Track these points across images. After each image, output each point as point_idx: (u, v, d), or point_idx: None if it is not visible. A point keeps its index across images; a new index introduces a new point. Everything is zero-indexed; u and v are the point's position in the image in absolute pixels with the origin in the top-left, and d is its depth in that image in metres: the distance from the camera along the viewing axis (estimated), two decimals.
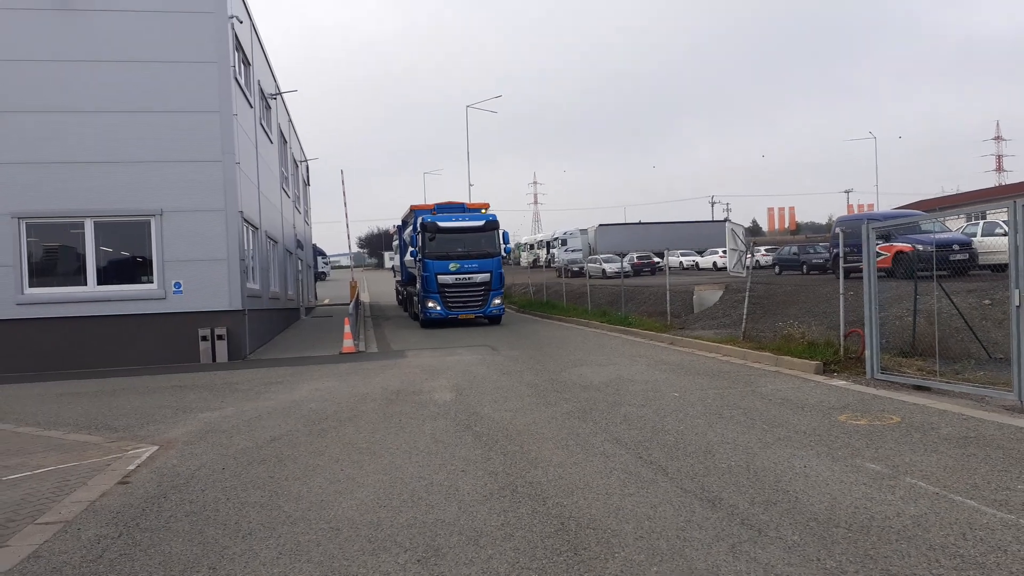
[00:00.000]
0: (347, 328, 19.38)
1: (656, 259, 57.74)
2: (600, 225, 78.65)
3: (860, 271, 22.61)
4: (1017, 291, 9.01)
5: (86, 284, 17.58)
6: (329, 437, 8.81)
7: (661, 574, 4.46)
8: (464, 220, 26.31)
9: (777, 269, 36.10)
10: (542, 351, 17.46)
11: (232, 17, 18.34)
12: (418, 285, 27.11)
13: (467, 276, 25.70)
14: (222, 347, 17.79)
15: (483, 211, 27.37)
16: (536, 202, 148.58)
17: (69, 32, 17.25)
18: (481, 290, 25.86)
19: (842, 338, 12.73)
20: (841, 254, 13.65)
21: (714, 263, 50.95)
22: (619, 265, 52.78)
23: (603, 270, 51.87)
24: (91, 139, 17.30)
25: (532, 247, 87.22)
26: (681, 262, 57.53)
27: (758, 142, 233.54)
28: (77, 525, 5.87)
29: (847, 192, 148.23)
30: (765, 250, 39.17)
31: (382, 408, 10.61)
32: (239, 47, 19.96)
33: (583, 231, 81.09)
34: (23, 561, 5.12)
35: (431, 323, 26.00)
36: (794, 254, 37.18)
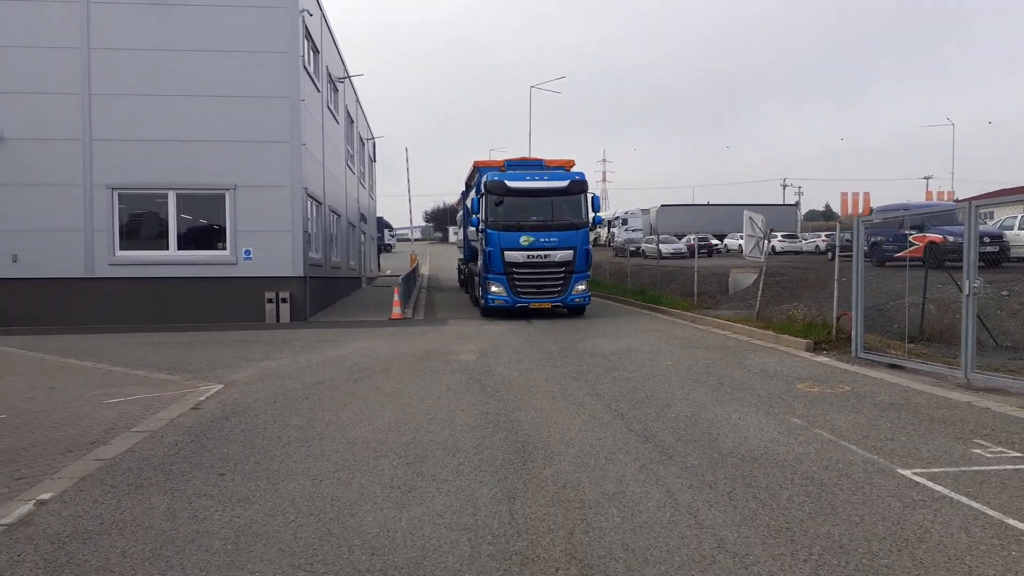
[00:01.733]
0: (395, 296, 21.23)
1: (715, 241, 58.26)
2: (662, 205, 78.89)
3: (898, 260, 23.29)
4: (967, 281, 10.14)
5: (168, 249, 19.85)
6: (362, 384, 10.57)
7: (580, 478, 6.01)
8: (541, 180, 20.20)
9: (829, 255, 36.59)
10: (571, 324, 18.98)
11: (303, 11, 20.19)
12: (479, 263, 21.42)
13: (543, 253, 19.71)
14: (285, 309, 19.84)
15: (566, 169, 21.70)
16: (604, 180, 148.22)
17: (159, 24, 19.36)
18: (561, 272, 19.84)
19: (834, 320, 13.87)
20: (836, 244, 14.67)
21: (772, 247, 51.37)
22: (675, 246, 53.65)
23: (659, 250, 52.80)
24: (175, 120, 19.43)
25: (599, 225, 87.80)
26: (740, 244, 57.93)
27: (840, 125, 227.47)
28: (160, 434, 7.72)
29: (927, 179, 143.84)
30: (782, 236, 39.53)
31: (412, 364, 12.35)
32: (309, 37, 21.83)
33: (644, 211, 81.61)
34: (122, 454, 6.95)
35: (493, 312, 20.44)
36: (847, 240, 37.61)
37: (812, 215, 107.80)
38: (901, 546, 4.59)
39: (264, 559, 4.49)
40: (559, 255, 19.87)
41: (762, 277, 18.10)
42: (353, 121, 34.22)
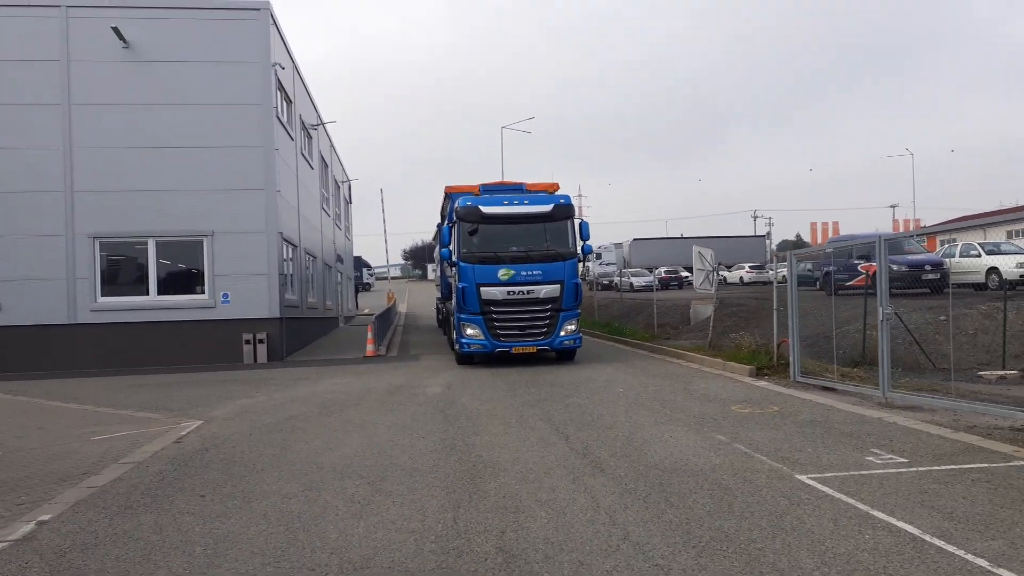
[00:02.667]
0: (369, 335, 22.04)
1: (685, 273, 59.65)
2: (634, 239, 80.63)
3: (848, 289, 24.42)
4: (881, 308, 11.18)
5: (148, 294, 20.58)
6: (334, 416, 11.36)
7: (519, 489, 6.86)
8: (521, 204, 17.51)
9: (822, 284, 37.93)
10: (538, 357, 19.84)
11: (275, 65, 21.25)
12: (453, 301, 18.79)
13: (526, 289, 17.06)
14: (262, 350, 20.58)
15: (550, 193, 18.70)
16: (580, 215, 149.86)
17: (137, 80, 20.32)
18: (547, 310, 17.18)
19: (775, 347, 14.88)
20: (775, 274, 15.75)
21: (740, 278, 52.73)
22: (646, 279, 54.93)
23: (631, 283, 54.08)
24: (154, 170, 20.30)
25: None
26: (722, 276, 59.35)
27: (808, 156, 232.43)
28: (146, 464, 8.48)
29: (893, 207, 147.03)
30: (749, 267, 41.04)
31: (382, 398, 13.16)
32: (281, 88, 22.87)
33: (617, 245, 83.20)
34: (111, 482, 7.71)
35: (469, 359, 17.91)
36: (808, 271, 39.07)
37: (784, 245, 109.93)
38: (776, 534, 5.49)
39: (238, 560, 5.30)
40: (544, 290, 17.06)
41: (714, 308, 19.13)
42: (328, 165, 35.23)
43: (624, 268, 68.04)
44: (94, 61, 20.24)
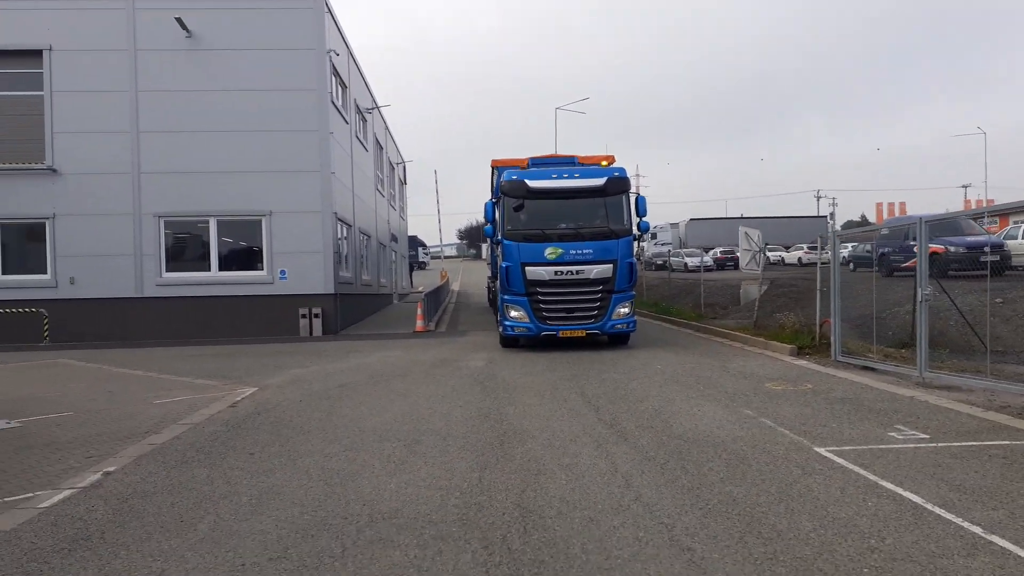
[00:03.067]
0: (419, 311, 22.63)
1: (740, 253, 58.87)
2: (691, 219, 79.87)
3: (905, 270, 24.10)
4: (920, 289, 11.17)
5: (210, 270, 21.52)
6: (380, 386, 11.90)
7: (544, 454, 7.24)
8: (571, 178, 16.31)
9: (852, 266, 37.32)
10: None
11: (330, 51, 21.84)
12: (498, 281, 17.93)
13: (575, 269, 15.83)
14: (317, 324, 21.34)
15: (604, 166, 17.45)
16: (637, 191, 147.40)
17: (199, 67, 21.14)
18: (598, 292, 15.90)
19: (818, 326, 14.88)
20: (819, 254, 15.70)
21: (799, 259, 51.87)
22: (701, 259, 54.57)
23: (685, 264, 53.73)
24: (215, 153, 21.13)
25: None
26: (768, 256, 58.45)
27: (876, 136, 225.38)
28: (202, 425, 9.12)
29: (964, 187, 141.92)
30: (807, 247, 40.38)
31: (426, 370, 13.67)
32: (336, 74, 23.48)
33: (674, 225, 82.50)
34: (170, 440, 8.35)
35: (513, 342, 16.91)
36: (867, 251, 38.33)
37: (849, 225, 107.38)
38: (782, 499, 5.75)
39: (279, 509, 5.81)
40: (595, 271, 15.77)
41: (759, 288, 19.12)
42: (383, 147, 35.91)
43: (679, 248, 67.67)
44: (159, 50, 21.12)
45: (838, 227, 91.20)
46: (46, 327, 20.81)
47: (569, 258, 15.80)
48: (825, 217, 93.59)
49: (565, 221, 16.11)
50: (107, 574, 4.61)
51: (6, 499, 6.20)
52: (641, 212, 16.39)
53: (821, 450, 7.20)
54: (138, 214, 21.16)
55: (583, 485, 6.22)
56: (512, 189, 16.21)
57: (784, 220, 76.90)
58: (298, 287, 21.45)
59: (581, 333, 15.98)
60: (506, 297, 16.28)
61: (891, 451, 7.11)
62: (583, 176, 16.32)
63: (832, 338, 13.90)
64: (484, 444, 7.76)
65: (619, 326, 16.14)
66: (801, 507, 5.55)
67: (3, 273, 21.21)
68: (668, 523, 5.27)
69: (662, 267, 55.34)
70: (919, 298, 11.22)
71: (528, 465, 6.87)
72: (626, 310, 16.12)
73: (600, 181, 16.13)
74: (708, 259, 53.61)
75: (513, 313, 16.11)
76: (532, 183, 16.12)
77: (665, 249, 69.54)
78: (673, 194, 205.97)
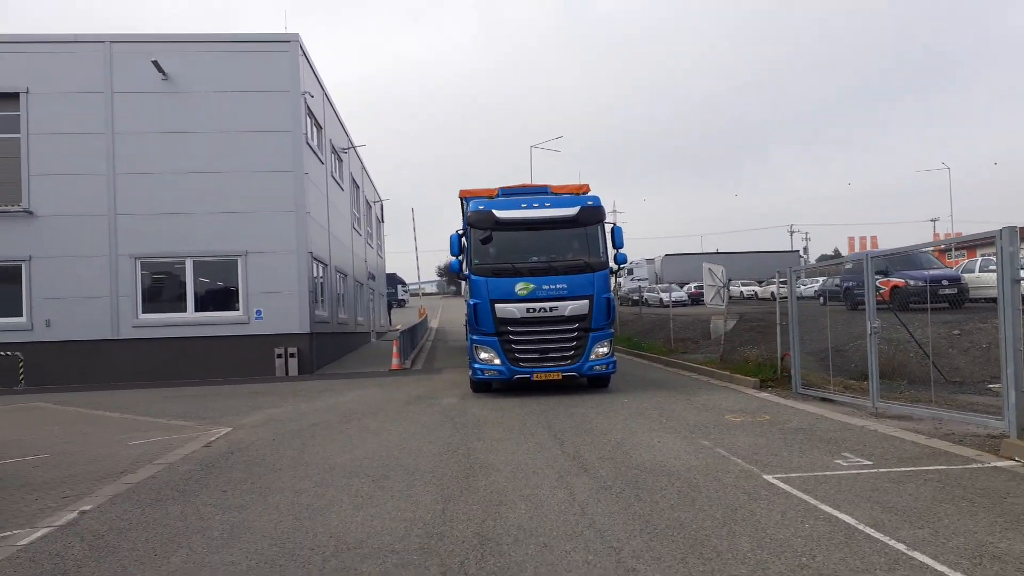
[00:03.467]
0: (395, 349, 22.91)
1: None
2: (666, 255, 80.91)
3: (863, 304, 24.70)
4: (869, 323, 11.69)
5: (186, 311, 21.72)
6: (352, 424, 12.18)
7: (507, 486, 7.57)
8: (541, 207, 15.27)
9: (822, 300, 38.11)
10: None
11: (304, 93, 22.35)
12: (465, 319, 17.63)
13: (548, 305, 14.70)
14: (293, 363, 21.55)
15: (578, 194, 16.63)
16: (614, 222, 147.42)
17: (175, 109, 21.56)
18: (573, 330, 14.76)
19: (779, 359, 15.37)
20: (777, 289, 16.25)
21: (772, 293, 52.73)
22: (677, 294, 55.26)
23: (660, 299, 54.48)
24: (192, 194, 21.47)
25: None
26: (741, 291, 59.41)
27: (847, 171, 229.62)
28: (176, 465, 9.35)
29: (933, 220, 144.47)
30: (780, 281, 41.44)
31: (400, 408, 13.96)
32: (311, 115, 23.99)
33: (649, 260, 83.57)
34: (145, 479, 8.57)
35: (485, 387, 15.78)
36: (836, 286, 39.18)
37: (823, 259, 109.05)
38: (726, 523, 6.12)
39: (250, 542, 6.08)
40: (570, 307, 14.61)
41: (726, 323, 19.66)
42: (359, 186, 36.38)
43: (655, 283, 68.47)
44: (136, 92, 21.53)
45: (812, 261, 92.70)
46: (21, 370, 20.83)
47: (542, 294, 14.64)
48: (798, 251, 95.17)
49: (537, 254, 15.04)
50: None
51: None
52: (618, 244, 15.44)
53: (769, 477, 7.59)
54: (114, 255, 21.38)
55: (541, 514, 6.55)
56: (479, 220, 15.06)
57: (758, 255, 78.11)
58: (274, 327, 21.69)
59: (557, 376, 14.69)
60: (475, 338, 14.90)
61: (834, 477, 7.52)
62: (555, 205, 15.17)
63: (792, 371, 14.36)
64: (450, 477, 8.07)
65: (598, 367, 14.78)
66: (743, 530, 5.92)
67: None
68: (617, 547, 5.62)
69: (637, 302, 56.08)
70: (868, 331, 11.72)
71: (491, 496, 7.20)
72: (605, 350, 14.88)
73: (573, 211, 14.97)
74: (683, 294, 54.43)
75: (483, 355, 14.78)
76: (500, 213, 14.98)
77: (641, 284, 70.37)
78: (649, 230, 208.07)
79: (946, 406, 11.04)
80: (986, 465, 7.86)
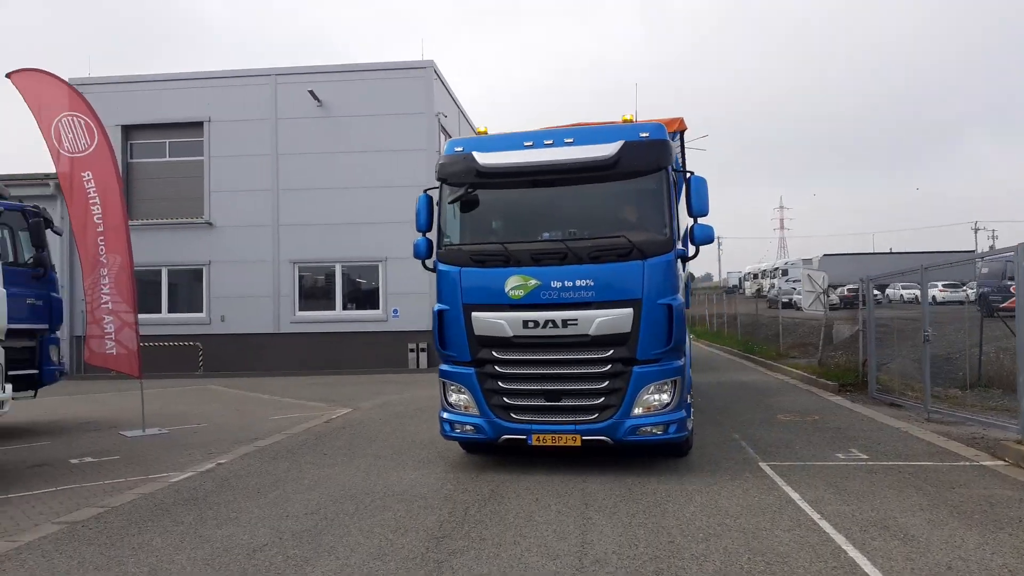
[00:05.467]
0: None
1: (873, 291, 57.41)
2: (824, 255, 78.16)
3: (1004, 310, 24.14)
4: (924, 332, 12.29)
5: (335, 309, 24.79)
6: None
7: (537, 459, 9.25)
8: (556, 147, 8.66)
9: (977, 306, 36.36)
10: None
11: (438, 114, 24.84)
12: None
13: (559, 316, 8.40)
14: (423, 357, 24.07)
15: (625, 123, 9.20)
16: (782, 227, 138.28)
17: (328, 132, 24.66)
18: (604, 360, 8.38)
19: (860, 365, 15.92)
20: (862, 295, 16.72)
21: (933, 297, 50.19)
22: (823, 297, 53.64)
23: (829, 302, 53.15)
24: (341, 207, 24.48)
25: (756, 276, 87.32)
26: (902, 295, 56.69)
27: None
28: (297, 435, 11.70)
29: None
30: (943, 285, 39.54)
31: None
32: (445, 132, 26.48)
33: (806, 260, 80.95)
34: (270, 444, 10.94)
35: (474, 448, 9.71)
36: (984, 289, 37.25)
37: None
38: (691, 496, 7.49)
39: (326, 488, 8.15)
40: (598, 320, 8.32)
41: (823, 328, 20.09)
42: None
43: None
44: (295, 118, 24.82)
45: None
46: (201, 358, 24.67)
47: (551, 297, 8.38)
48: (974, 251, 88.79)
49: (547, 228, 8.93)
50: (203, 518, 7.07)
51: (151, 476, 8.90)
52: (697, 208, 8.62)
53: (763, 464, 8.80)
54: (276, 261, 24.77)
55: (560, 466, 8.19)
56: (453, 169, 8.91)
57: (919, 256, 73.68)
58: (409, 324, 24.29)
59: (572, 440, 8.34)
60: (444, 368, 9.06)
61: (819, 466, 8.63)
62: (580, 141, 8.64)
63: (869, 377, 14.96)
64: (496, 451, 9.85)
65: (647, 428, 8.25)
66: (700, 500, 7.29)
67: (169, 312, 25.34)
68: (585, 513, 7.18)
69: (788, 305, 54.93)
70: (923, 338, 12.32)
71: (519, 464, 8.91)
72: (664, 397, 8.30)
73: (608, 150, 8.42)
74: (834, 297, 52.80)
75: (453, 398, 8.89)
76: (485, 158, 8.74)
77: (796, 286, 68.47)
78: (822, 227, 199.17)
79: (1005, 414, 11.45)
80: (972, 464, 8.67)
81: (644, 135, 8.56)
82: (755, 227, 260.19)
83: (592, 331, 8.27)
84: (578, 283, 8.36)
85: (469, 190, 8.85)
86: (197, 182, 25.38)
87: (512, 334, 8.48)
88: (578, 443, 8.34)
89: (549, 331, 8.40)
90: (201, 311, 25.16)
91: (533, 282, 8.45)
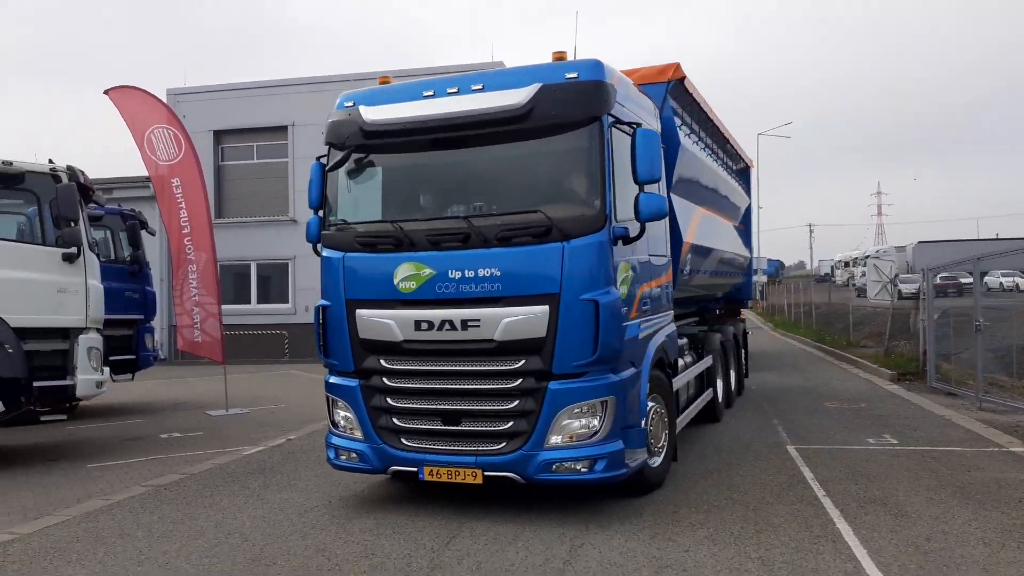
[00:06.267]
0: None
1: (966, 279, 55.61)
2: (919, 242, 75.37)
3: None
4: (975, 321, 12.30)
5: None
6: None
7: None
8: (461, 94, 6.57)
9: None
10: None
11: None
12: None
13: (456, 316, 6.45)
14: None
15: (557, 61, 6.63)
16: (879, 214, 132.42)
17: None
18: (511, 373, 6.38)
19: (920, 355, 15.82)
20: (924, 285, 16.56)
21: (1016, 284, 48.08)
22: (914, 285, 52.21)
23: (899, 290, 51.66)
24: None
25: (847, 264, 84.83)
26: (1001, 283, 54.43)
27: None
28: None
29: None
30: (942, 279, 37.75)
31: None
32: None
33: (899, 248, 78.14)
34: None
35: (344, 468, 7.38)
36: None
37: None
38: (711, 476, 7.97)
39: None
40: (505, 320, 6.32)
41: (890, 318, 19.86)
42: None
43: (904, 274, 64.43)
44: None
45: None
46: (286, 346, 26.21)
47: (446, 291, 6.55)
48: None
49: (452, 201, 7.13)
50: (267, 484, 8.04)
51: (227, 449, 9.98)
52: (643, 172, 6.38)
53: (791, 447, 9.17)
54: None
55: None
56: (337, 130, 7.15)
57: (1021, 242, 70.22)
58: None
59: (473, 476, 6.49)
60: (329, 380, 7.48)
61: (844, 450, 8.96)
62: (490, 88, 6.56)
63: (927, 366, 14.90)
64: None
65: (567, 464, 6.33)
66: (715, 478, 7.78)
67: (257, 303, 27.00)
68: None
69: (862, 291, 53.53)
70: (975, 328, 12.32)
71: None
72: (590, 423, 6.37)
73: (517, 96, 6.35)
74: (911, 286, 51.09)
75: (340, 416, 7.35)
76: (372, 113, 6.87)
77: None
78: (925, 212, 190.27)
79: None
80: (1001, 450, 8.83)
81: (571, 76, 6.37)
82: (850, 213, 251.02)
83: (498, 335, 6.32)
84: (481, 272, 6.40)
85: (354, 155, 7.08)
86: (282, 182, 26.89)
87: (402, 338, 6.61)
88: (479, 480, 6.41)
89: (446, 334, 6.49)
90: (287, 302, 26.69)
91: (427, 271, 6.54)
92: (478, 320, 6.36)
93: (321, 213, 7.33)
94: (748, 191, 15.93)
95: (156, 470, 8.82)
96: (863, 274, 71.83)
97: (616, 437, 6.36)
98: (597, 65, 6.49)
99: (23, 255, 8.93)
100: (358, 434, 6.98)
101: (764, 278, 62.80)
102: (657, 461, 7.27)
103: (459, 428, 6.58)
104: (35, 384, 8.76)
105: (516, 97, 6.30)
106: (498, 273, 6.34)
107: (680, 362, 8.74)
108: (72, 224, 8.94)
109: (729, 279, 13.02)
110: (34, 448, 10.47)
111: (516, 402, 6.35)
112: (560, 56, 6.68)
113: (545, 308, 6.22)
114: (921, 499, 6.81)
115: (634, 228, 6.48)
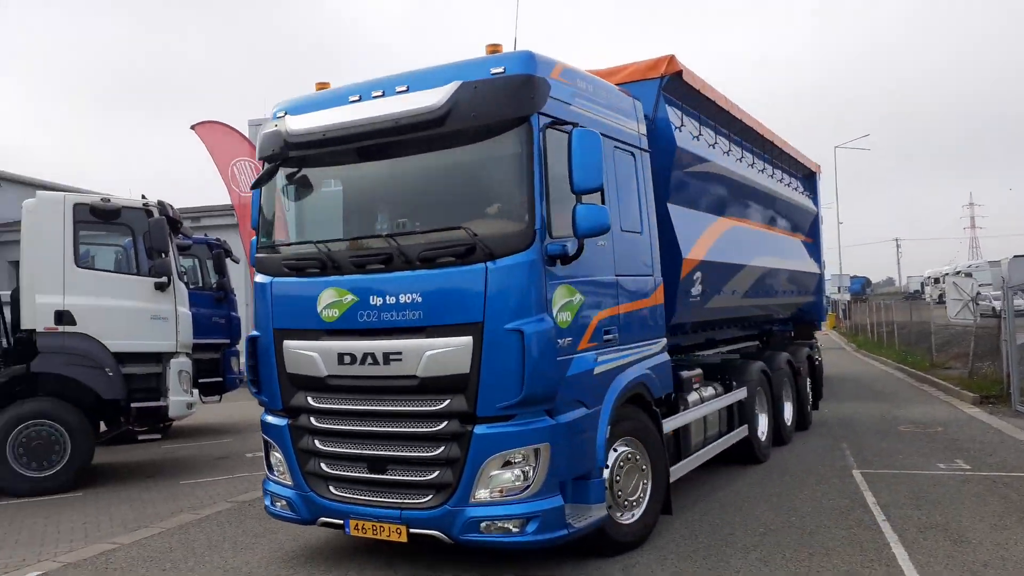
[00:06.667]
0: None
1: None
2: (1015, 256, 71.82)
3: None
4: (1007, 335, 11.92)
5: None
6: None
7: None
8: (381, 102, 5.85)
9: None
10: None
11: None
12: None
13: (377, 347, 5.75)
14: None
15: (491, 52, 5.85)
16: (973, 226, 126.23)
17: None
18: (432, 416, 5.64)
19: (1004, 377, 15.29)
20: (1005, 303, 16.02)
21: None
22: (995, 303, 49.86)
23: (993, 307, 49.57)
24: None
25: (938, 280, 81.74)
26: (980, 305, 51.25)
27: None
28: None
29: None
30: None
31: None
32: None
33: (993, 263, 74.80)
34: None
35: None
36: None
37: None
38: (771, 499, 8.04)
39: None
40: (427, 353, 5.58)
41: (973, 339, 19.19)
42: None
43: (1001, 288, 61.68)
44: None
45: None
46: None
47: (368, 319, 5.88)
48: None
49: (375, 217, 6.55)
50: None
51: None
52: (580, 180, 5.48)
53: (856, 472, 9.11)
54: None
55: None
56: (265, 143, 6.50)
57: None
58: None
59: (398, 533, 5.68)
60: (263, 419, 6.65)
61: (911, 475, 8.87)
62: (415, 88, 5.82)
63: (1011, 388, 14.42)
64: None
65: (495, 523, 5.48)
66: (775, 501, 7.85)
67: None
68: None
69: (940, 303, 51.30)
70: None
71: None
72: (519, 475, 5.53)
73: (434, 97, 5.63)
74: (1021, 301, 48.92)
75: (273, 458, 6.59)
76: (295, 122, 6.27)
77: (985, 290, 63.73)
78: (1015, 225, 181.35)
79: None
80: None
81: (497, 71, 5.59)
82: (940, 227, 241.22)
83: (420, 371, 5.59)
84: (403, 299, 5.70)
85: (282, 169, 6.49)
86: None
87: (326, 373, 5.96)
88: (403, 538, 5.63)
89: (368, 369, 5.80)
90: None
91: (349, 298, 5.89)
92: (400, 353, 5.64)
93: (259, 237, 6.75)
94: (815, 200, 14.65)
95: (241, 487, 9.42)
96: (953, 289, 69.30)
97: (553, 491, 5.46)
98: (527, 57, 5.68)
99: (120, 285, 9.74)
100: (288, 480, 6.28)
101: (847, 296, 61.09)
102: (632, 516, 6.33)
103: (384, 477, 5.79)
104: (132, 405, 9.51)
105: (433, 98, 5.59)
106: (419, 299, 5.62)
107: (691, 397, 7.96)
108: (163, 255, 9.70)
109: (788, 299, 12.11)
110: (133, 465, 11.30)
111: (441, 448, 5.57)
112: (494, 49, 5.86)
113: (468, 340, 5.45)
114: (985, 525, 6.76)
115: (573, 245, 5.58)
